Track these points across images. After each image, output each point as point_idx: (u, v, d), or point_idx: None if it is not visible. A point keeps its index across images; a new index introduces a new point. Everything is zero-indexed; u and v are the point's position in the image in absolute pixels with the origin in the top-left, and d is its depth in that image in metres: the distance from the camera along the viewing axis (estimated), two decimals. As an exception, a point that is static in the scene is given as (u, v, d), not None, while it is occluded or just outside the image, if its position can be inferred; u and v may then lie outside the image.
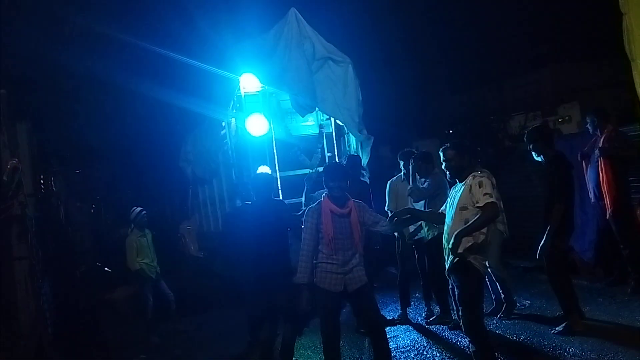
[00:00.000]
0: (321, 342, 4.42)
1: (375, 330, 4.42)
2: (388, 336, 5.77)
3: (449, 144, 4.34)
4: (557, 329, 5.10)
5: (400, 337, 5.80)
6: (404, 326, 6.14)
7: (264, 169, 6.93)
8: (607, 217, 6.03)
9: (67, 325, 6.95)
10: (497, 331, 5.47)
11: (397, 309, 6.49)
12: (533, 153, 5.26)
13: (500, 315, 5.76)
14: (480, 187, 3.97)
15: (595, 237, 6.63)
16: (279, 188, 7.01)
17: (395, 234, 6.06)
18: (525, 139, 5.39)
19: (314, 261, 4.31)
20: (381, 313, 5.76)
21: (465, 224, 3.99)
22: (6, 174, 5.71)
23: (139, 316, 7.17)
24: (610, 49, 5.10)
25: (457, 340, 5.33)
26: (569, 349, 4.72)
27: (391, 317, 6.41)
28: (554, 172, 5.00)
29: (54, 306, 6.73)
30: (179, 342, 6.90)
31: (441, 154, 4.35)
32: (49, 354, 5.95)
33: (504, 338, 5.29)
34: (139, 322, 7.16)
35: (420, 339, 5.68)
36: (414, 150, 6.36)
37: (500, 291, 5.82)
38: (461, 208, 4.07)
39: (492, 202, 3.92)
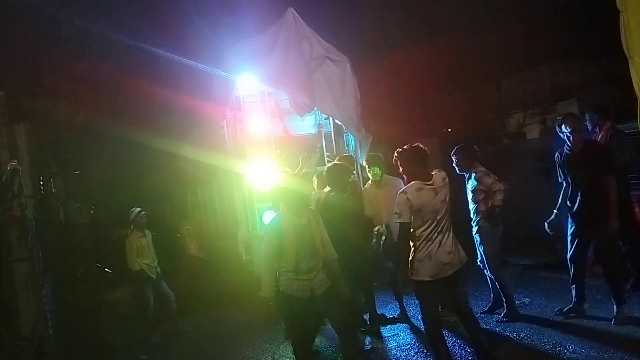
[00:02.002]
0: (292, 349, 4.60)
1: (341, 328, 4.47)
2: (389, 334, 5.86)
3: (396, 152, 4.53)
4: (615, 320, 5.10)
5: (400, 335, 5.82)
6: (404, 324, 6.16)
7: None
8: None
9: (68, 326, 6.96)
10: (496, 329, 5.49)
11: (397, 307, 6.51)
12: (569, 137, 5.20)
13: (500, 320, 5.70)
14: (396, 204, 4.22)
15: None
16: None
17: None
18: (563, 123, 5.25)
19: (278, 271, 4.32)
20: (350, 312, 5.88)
21: None
22: (6, 176, 5.72)
23: (139, 317, 7.17)
24: (608, 47, 5.10)
25: (457, 338, 5.34)
26: (569, 346, 4.74)
27: (391, 316, 6.43)
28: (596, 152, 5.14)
29: (55, 307, 6.73)
30: (180, 342, 6.91)
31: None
32: (50, 354, 5.97)
33: (504, 336, 5.30)
34: (139, 323, 7.16)
35: (420, 337, 5.69)
36: (379, 154, 6.43)
37: (501, 295, 5.78)
38: None
39: (400, 223, 4.18)
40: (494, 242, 5.66)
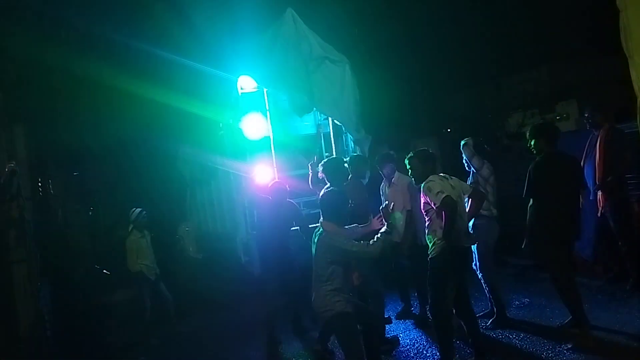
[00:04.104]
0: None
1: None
2: (388, 335, 5.84)
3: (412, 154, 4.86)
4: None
5: (400, 336, 5.79)
6: (404, 325, 6.15)
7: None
8: (599, 213, 6.04)
9: (66, 328, 6.93)
10: (496, 329, 5.47)
11: (396, 307, 6.51)
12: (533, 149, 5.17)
13: (487, 326, 5.55)
14: (430, 191, 4.45)
15: (593, 234, 6.62)
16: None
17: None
18: (527, 134, 5.27)
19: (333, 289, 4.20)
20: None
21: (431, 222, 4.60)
22: (4, 178, 5.71)
23: (138, 318, 7.16)
24: (607, 46, 5.09)
25: (456, 339, 5.31)
26: (569, 346, 4.72)
27: (387, 315, 6.41)
28: (532, 171, 5.03)
29: (53, 309, 6.72)
30: (179, 343, 6.90)
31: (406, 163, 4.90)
32: (48, 357, 5.95)
33: (502, 336, 5.29)
34: (138, 324, 7.15)
35: (420, 337, 5.68)
36: (391, 152, 6.42)
37: (489, 297, 5.70)
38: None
39: (446, 196, 4.36)
40: (489, 241, 5.59)
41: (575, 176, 5.12)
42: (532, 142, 5.15)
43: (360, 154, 7.19)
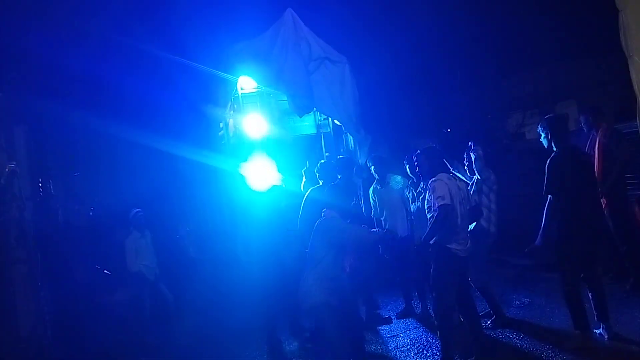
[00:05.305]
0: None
1: None
2: (388, 335, 5.85)
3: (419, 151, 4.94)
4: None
5: (400, 337, 5.80)
6: (403, 325, 6.15)
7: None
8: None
9: (67, 328, 6.94)
10: (496, 328, 5.47)
11: (396, 308, 6.50)
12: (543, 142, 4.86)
13: (486, 325, 5.47)
14: (434, 191, 4.44)
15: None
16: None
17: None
18: (541, 127, 4.89)
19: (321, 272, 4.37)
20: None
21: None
22: (4, 178, 5.71)
23: (137, 318, 7.17)
24: (607, 46, 5.09)
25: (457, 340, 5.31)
26: (569, 346, 4.72)
27: (387, 316, 6.41)
28: (552, 166, 4.65)
29: (53, 309, 6.72)
30: (178, 343, 6.89)
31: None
32: (49, 357, 5.95)
33: (502, 336, 5.29)
34: (137, 324, 7.15)
35: (420, 337, 5.69)
36: (382, 155, 6.49)
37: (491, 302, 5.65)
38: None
39: (443, 204, 4.36)
40: (480, 248, 5.47)
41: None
42: (549, 136, 4.74)
43: (353, 154, 7.26)
